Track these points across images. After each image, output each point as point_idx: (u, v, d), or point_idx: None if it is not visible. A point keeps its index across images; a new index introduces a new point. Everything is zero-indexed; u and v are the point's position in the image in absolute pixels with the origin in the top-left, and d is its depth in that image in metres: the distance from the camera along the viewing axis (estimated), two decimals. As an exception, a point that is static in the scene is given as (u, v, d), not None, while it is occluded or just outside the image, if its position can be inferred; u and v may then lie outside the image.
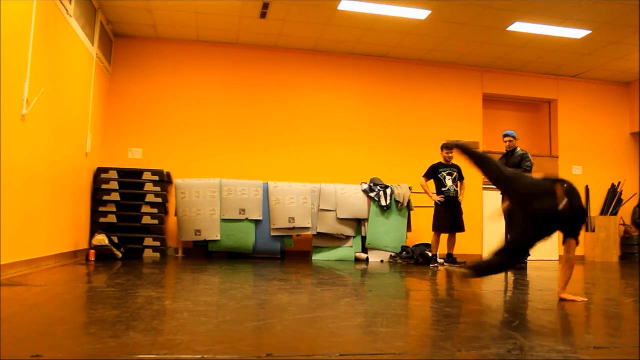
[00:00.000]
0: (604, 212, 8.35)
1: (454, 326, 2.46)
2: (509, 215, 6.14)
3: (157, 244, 6.41)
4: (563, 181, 3.36)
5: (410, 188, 6.96)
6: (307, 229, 6.65)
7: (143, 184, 6.53)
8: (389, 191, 6.85)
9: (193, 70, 7.35)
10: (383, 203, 6.76)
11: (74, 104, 5.43)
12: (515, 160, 6.16)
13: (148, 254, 6.36)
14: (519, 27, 6.57)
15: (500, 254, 3.45)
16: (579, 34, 6.71)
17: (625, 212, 8.44)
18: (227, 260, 6.20)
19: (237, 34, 7.15)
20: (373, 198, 6.80)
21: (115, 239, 6.13)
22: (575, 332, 2.53)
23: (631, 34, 6.64)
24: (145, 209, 6.47)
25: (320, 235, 6.69)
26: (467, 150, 3.79)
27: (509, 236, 3.71)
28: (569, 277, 3.43)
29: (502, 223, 6.36)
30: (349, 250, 6.74)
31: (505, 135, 6.35)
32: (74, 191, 5.59)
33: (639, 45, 6.96)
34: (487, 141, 8.18)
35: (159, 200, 6.52)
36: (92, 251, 5.62)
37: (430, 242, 6.40)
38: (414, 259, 6.51)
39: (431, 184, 6.48)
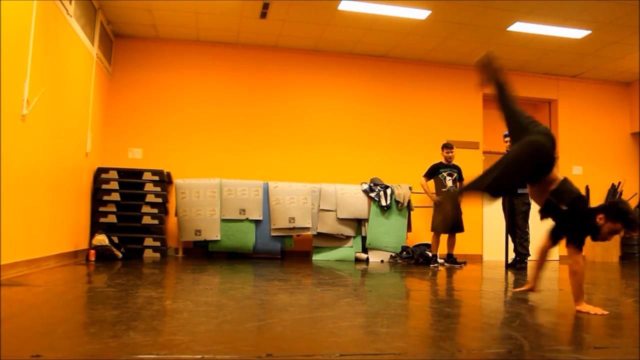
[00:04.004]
0: (604, 212, 8.34)
1: (454, 326, 2.46)
2: (509, 205, 6.17)
3: (157, 244, 6.41)
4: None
5: (410, 188, 6.96)
6: (307, 229, 6.65)
7: (143, 184, 6.53)
8: (389, 191, 6.85)
9: (193, 70, 7.35)
10: (383, 203, 6.76)
11: (74, 104, 5.43)
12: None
13: (148, 254, 6.36)
14: (519, 27, 6.57)
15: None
16: (579, 34, 6.71)
17: (625, 212, 8.42)
18: (227, 260, 6.20)
19: (237, 34, 7.15)
20: (373, 198, 6.80)
21: (115, 239, 6.13)
22: (575, 332, 2.53)
23: (631, 34, 6.64)
24: (145, 209, 6.47)
25: (320, 235, 6.69)
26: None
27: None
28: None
29: (502, 225, 6.38)
30: (349, 250, 6.74)
31: (506, 136, 6.34)
32: (74, 191, 5.59)
33: (639, 45, 6.96)
34: (487, 141, 8.18)
35: (159, 200, 6.52)
36: (92, 251, 5.62)
37: (430, 242, 6.40)
38: (414, 259, 6.52)
39: (431, 184, 6.48)
